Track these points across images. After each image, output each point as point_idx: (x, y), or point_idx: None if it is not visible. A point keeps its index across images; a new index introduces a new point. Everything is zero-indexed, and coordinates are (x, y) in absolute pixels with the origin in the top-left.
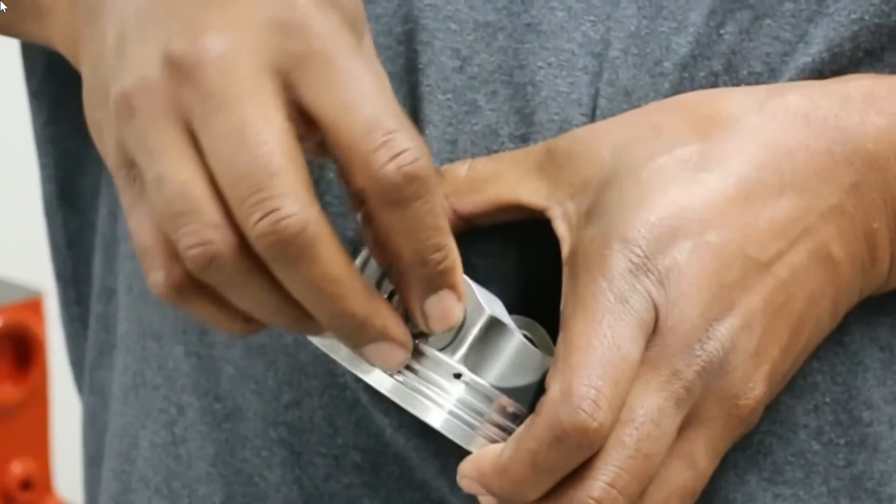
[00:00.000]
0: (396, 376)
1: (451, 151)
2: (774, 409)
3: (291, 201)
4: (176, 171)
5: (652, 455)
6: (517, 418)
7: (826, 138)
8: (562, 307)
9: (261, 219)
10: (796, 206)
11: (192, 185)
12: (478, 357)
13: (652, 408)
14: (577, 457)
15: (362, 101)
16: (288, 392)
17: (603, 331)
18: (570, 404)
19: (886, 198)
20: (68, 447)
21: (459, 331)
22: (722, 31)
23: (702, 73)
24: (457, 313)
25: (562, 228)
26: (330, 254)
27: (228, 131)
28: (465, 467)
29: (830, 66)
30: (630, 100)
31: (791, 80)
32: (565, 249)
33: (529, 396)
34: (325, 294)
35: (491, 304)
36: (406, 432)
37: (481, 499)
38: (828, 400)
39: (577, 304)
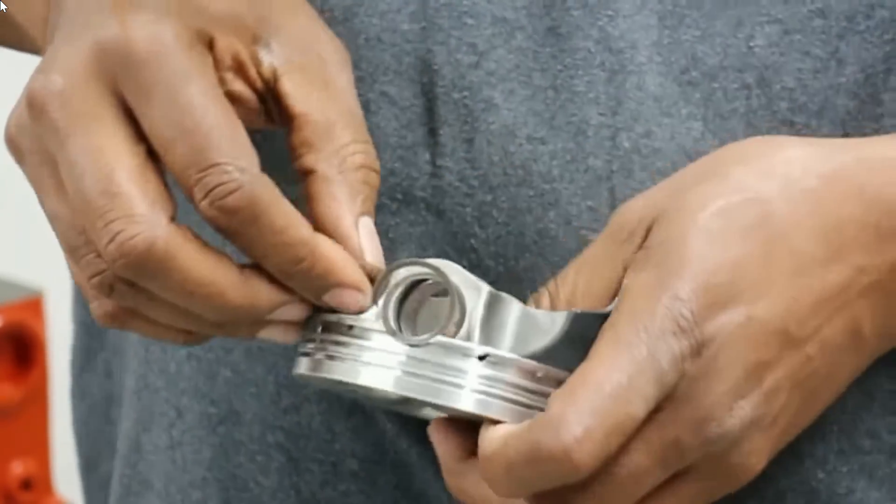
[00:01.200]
0: (410, 375)
1: (467, 151)
2: None
3: (134, 221)
4: (51, 207)
5: (615, 498)
6: (549, 380)
7: (876, 211)
8: (601, 331)
9: (108, 243)
10: (839, 281)
11: (61, 221)
12: (489, 333)
13: (636, 462)
14: (550, 481)
15: (182, 133)
16: (287, 396)
17: (620, 379)
18: (555, 433)
19: None
20: (68, 447)
21: (462, 317)
22: (752, 44)
23: (734, 86)
24: (357, 303)
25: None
26: (189, 261)
27: (73, 162)
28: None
29: (865, 89)
30: (661, 106)
31: (826, 98)
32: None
33: (555, 356)
34: (201, 297)
35: (477, 280)
36: (407, 439)
37: None
38: (835, 429)
39: (610, 341)
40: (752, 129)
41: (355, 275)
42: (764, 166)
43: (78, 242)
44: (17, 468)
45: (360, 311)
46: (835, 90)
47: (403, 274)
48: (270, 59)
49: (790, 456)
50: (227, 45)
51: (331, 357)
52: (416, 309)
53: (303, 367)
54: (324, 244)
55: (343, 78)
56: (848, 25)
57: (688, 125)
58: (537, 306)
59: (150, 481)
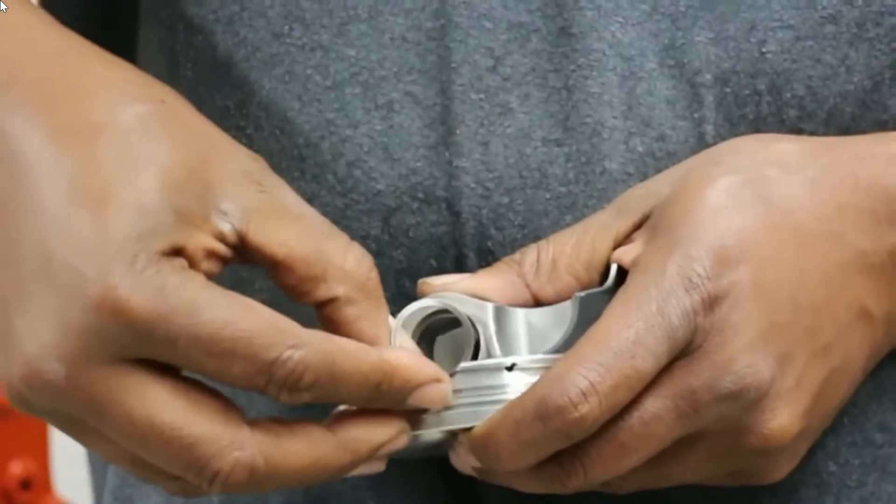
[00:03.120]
0: (449, 410)
1: (482, 153)
2: None
3: (223, 455)
4: (100, 450)
5: (627, 448)
6: None
7: (871, 198)
8: (613, 298)
9: (210, 484)
10: (842, 258)
11: (118, 460)
12: (506, 344)
13: (648, 409)
14: (558, 439)
15: (230, 358)
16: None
17: (627, 334)
18: (559, 387)
19: None
20: (67, 447)
21: (478, 338)
22: (764, 50)
23: (746, 92)
24: (442, 394)
25: (631, 253)
26: (290, 456)
27: (127, 435)
28: (461, 436)
29: (872, 96)
30: (674, 109)
31: (834, 106)
32: (629, 260)
33: (574, 343)
34: (310, 477)
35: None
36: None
37: (457, 460)
38: (845, 421)
39: (621, 300)
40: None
41: (429, 368)
42: (761, 156)
43: (149, 473)
44: (17, 468)
45: (447, 402)
46: (843, 98)
47: (415, 316)
48: (229, 223)
49: None
50: (195, 243)
51: None
52: (427, 354)
53: None
54: (390, 357)
55: (287, 193)
56: (858, 32)
57: (701, 129)
58: (523, 260)
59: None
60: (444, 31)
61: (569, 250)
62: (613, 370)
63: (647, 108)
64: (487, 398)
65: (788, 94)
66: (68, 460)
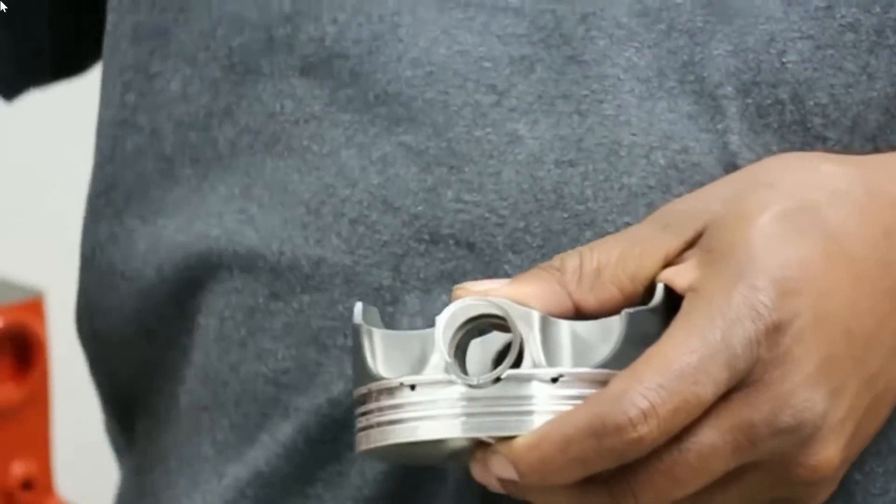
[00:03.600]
0: (474, 417)
1: (495, 183)
2: None
3: None
4: None
5: (681, 481)
6: None
7: None
8: (674, 320)
9: None
10: (889, 287)
11: None
12: (550, 355)
13: (706, 442)
14: (609, 458)
15: None
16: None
17: (689, 359)
18: (619, 405)
19: None
20: (69, 447)
21: (523, 346)
22: (784, 60)
23: (768, 102)
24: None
25: (686, 276)
26: None
27: None
28: (499, 445)
29: (894, 102)
30: (697, 123)
31: (858, 114)
32: (685, 283)
33: (619, 360)
34: None
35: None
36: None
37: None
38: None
39: (682, 325)
40: (786, 144)
41: None
42: (810, 179)
43: None
44: (18, 469)
45: None
46: (866, 105)
47: (458, 318)
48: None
49: None
50: None
51: (392, 422)
52: (462, 358)
53: (366, 441)
54: None
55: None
56: (877, 40)
57: (725, 139)
58: (563, 267)
59: None
60: (435, 78)
61: (614, 261)
62: (675, 394)
63: (668, 124)
64: (528, 407)
65: (811, 103)
66: (70, 461)
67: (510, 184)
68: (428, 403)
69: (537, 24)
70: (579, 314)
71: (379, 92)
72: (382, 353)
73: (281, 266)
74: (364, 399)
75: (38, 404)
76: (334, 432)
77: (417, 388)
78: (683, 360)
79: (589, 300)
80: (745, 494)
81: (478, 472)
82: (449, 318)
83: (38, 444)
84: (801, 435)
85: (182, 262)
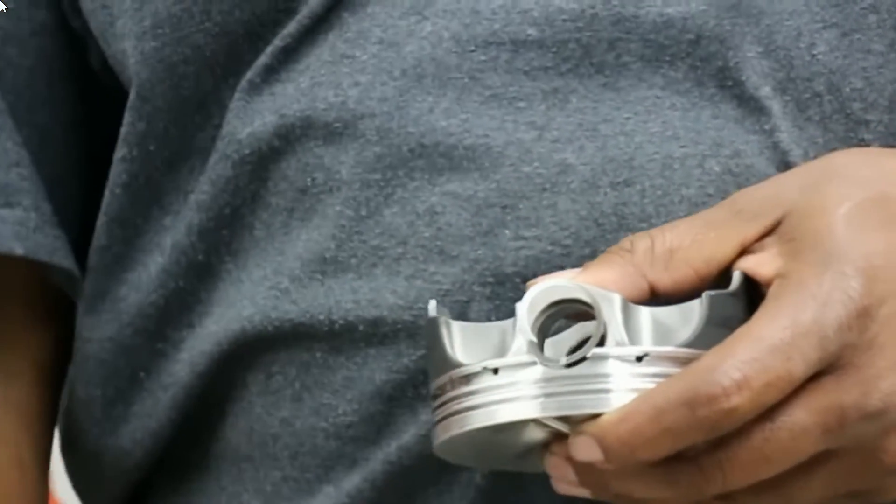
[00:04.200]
0: (554, 396)
1: (553, 214)
2: None
3: None
4: None
5: (770, 460)
6: None
7: None
8: (763, 301)
9: None
10: None
11: None
12: (631, 336)
13: (797, 421)
14: (701, 430)
15: None
16: None
17: (783, 335)
18: (712, 375)
19: None
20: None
21: (606, 326)
22: (814, 52)
23: (805, 96)
24: None
25: (767, 264)
26: None
27: None
28: (584, 425)
29: None
30: (743, 126)
31: (894, 91)
32: (770, 272)
33: (702, 342)
34: None
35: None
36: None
37: (557, 483)
38: None
39: (772, 306)
40: (830, 134)
41: None
42: (879, 173)
43: None
44: None
45: None
46: None
47: (541, 300)
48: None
49: None
50: None
51: (470, 408)
52: (542, 340)
53: (443, 431)
54: None
55: None
56: None
57: (774, 138)
58: (634, 248)
59: None
60: (470, 125)
61: (688, 243)
62: (769, 368)
63: (715, 131)
64: (610, 385)
65: (847, 89)
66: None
67: (568, 213)
68: (508, 386)
69: (562, 54)
70: (654, 295)
71: (414, 145)
72: (461, 342)
73: (335, 330)
74: (442, 390)
75: None
76: (403, 479)
77: (501, 372)
78: (777, 336)
79: (664, 280)
80: (827, 483)
81: (553, 466)
82: (532, 300)
83: None
84: (888, 419)
85: (216, 351)
